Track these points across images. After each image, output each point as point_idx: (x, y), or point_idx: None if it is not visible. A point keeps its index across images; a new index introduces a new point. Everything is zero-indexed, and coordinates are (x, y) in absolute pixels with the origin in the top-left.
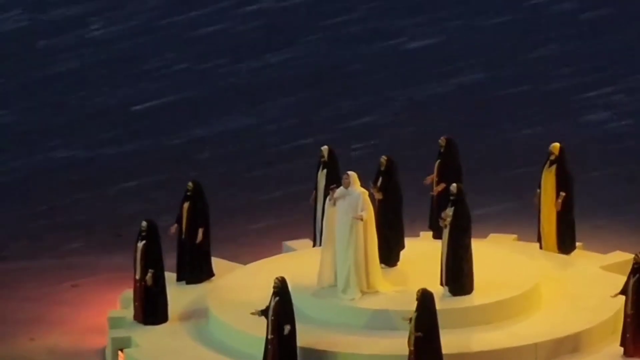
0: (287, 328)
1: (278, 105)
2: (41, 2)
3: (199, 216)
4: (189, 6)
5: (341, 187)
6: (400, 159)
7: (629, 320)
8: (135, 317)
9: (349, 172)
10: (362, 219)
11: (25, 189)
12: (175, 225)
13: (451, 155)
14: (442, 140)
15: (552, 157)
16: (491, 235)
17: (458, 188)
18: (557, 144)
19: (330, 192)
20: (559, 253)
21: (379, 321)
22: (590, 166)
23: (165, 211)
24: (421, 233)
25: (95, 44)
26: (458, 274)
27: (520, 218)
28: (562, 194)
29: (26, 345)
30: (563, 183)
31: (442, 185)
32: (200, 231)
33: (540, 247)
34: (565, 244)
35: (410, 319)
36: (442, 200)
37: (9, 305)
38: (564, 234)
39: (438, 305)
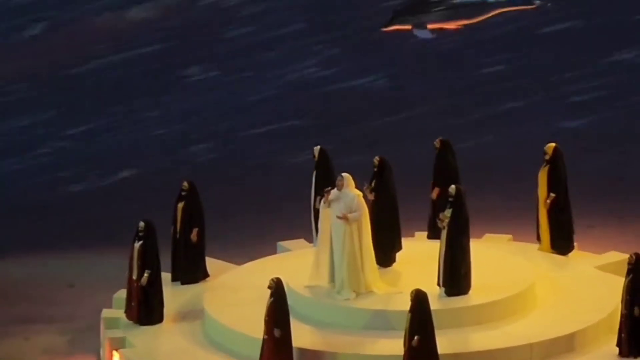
0: (277, 332)
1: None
2: None
3: (194, 216)
4: None
5: (335, 189)
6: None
7: (623, 320)
8: (129, 317)
9: (343, 174)
10: (346, 219)
11: (18, 187)
12: (197, 229)
13: (446, 157)
14: (437, 142)
15: (547, 157)
16: (486, 235)
17: (457, 190)
18: (552, 144)
19: (325, 195)
20: (553, 253)
21: (376, 321)
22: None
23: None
24: (416, 233)
25: None
26: (455, 276)
27: (515, 218)
28: (552, 194)
29: (21, 344)
30: (554, 184)
31: (437, 190)
32: (195, 231)
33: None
34: (560, 245)
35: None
36: (438, 202)
37: (3, 304)
38: (557, 234)
39: (433, 306)
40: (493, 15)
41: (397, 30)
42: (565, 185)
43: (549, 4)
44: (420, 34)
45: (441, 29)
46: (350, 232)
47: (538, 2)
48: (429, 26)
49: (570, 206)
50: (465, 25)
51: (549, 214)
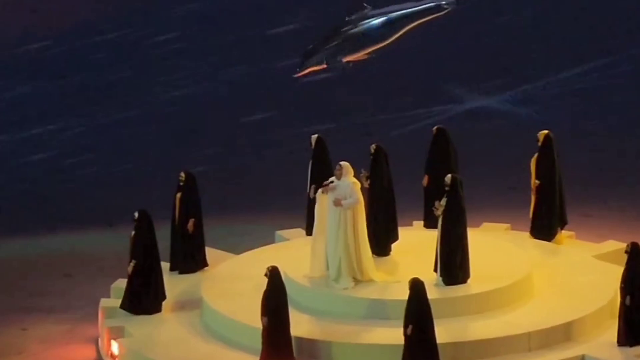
0: (264, 320)
1: None
2: None
3: (190, 206)
4: None
5: (334, 178)
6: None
7: (620, 309)
8: (125, 306)
9: (342, 163)
10: (339, 204)
11: (16, 180)
12: (194, 219)
13: (440, 145)
14: (433, 130)
15: (538, 144)
16: (484, 224)
17: (452, 179)
18: (544, 132)
19: (326, 188)
20: (534, 238)
21: (374, 310)
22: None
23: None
24: (414, 222)
25: None
26: (451, 265)
27: (514, 207)
28: (536, 181)
29: (18, 335)
30: (540, 171)
31: (427, 178)
32: (191, 221)
33: None
34: (541, 231)
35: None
36: (429, 192)
37: (0, 295)
38: (539, 220)
39: (431, 295)
40: (406, 32)
41: (312, 72)
42: (552, 172)
43: (457, 5)
44: (337, 68)
45: (355, 60)
46: (344, 220)
47: (447, 6)
48: (344, 59)
49: (555, 194)
50: (376, 51)
51: (535, 201)
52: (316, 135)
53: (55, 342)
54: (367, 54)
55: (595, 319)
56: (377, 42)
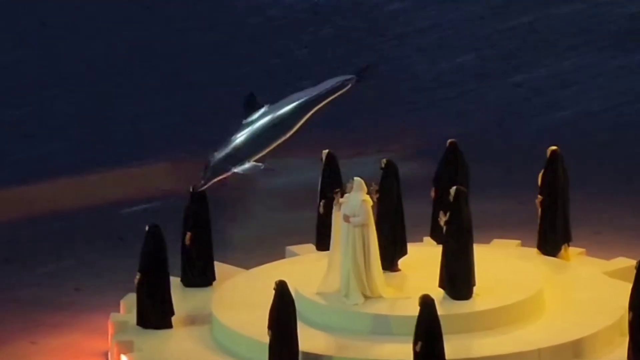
0: (269, 334)
1: None
2: None
3: (194, 221)
4: None
5: (347, 193)
6: None
7: (630, 326)
8: (138, 321)
9: (355, 178)
10: (347, 220)
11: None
12: (190, 234)
13: (449, 159)
14: (447, 144)
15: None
16: (495, 240)
17: (456, 192)
18: (551, 148)
19: (336, 197)
20: (540, 254)
21: (382, 326)
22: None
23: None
24: (425, 238)
25: None
26: (453, 278)
27: (524, 223)
28: (539, 197)
29: (28, 348)
30: (544, 187)
31: (434, 190)
32: (188, 235)
33: None
34: (545, 247)
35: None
36: (436, 205)
37: (10, 308)
38: (543, 236)
39: (440, 311)
40: (316, 111)
41: (218, 182)
42: (555, 188)
43: (358, 82)
44: (248, 170)
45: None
46: (353, 237)
47: (349, 82)
48: (252, 161)
49: (557, 209)
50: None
51: (540, 216)
52: (327, 151)
53: (65, 356)
54: (276, 146)
55: (605, 336)
56: (283, 134)
